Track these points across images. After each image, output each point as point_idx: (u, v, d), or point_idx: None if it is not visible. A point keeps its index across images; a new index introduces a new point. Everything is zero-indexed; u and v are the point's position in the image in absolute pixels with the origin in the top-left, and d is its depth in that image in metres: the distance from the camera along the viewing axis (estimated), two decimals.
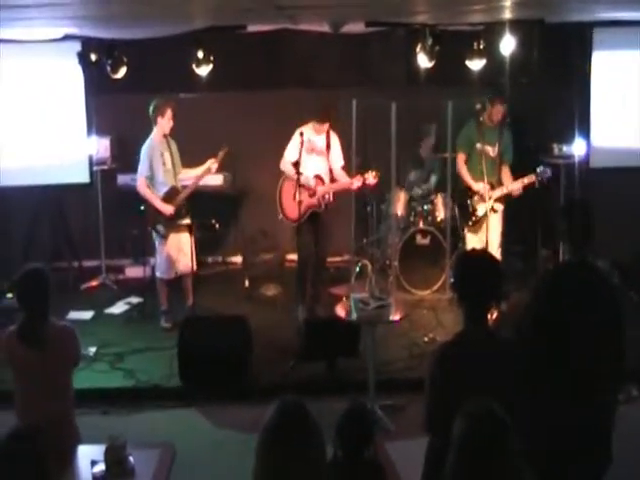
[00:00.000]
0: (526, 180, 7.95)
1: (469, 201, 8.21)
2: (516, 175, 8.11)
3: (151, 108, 7.84)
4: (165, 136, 7.92)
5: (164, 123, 7.84)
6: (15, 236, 9.61)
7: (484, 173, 7.91)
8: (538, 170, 7.87)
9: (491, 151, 8.06)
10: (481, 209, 8.11)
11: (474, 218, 8.18)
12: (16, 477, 2.93)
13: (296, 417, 2.63)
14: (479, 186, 8.08)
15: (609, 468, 3.99)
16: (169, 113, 7.81)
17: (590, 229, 4.12)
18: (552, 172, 8.12)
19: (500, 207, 8.14)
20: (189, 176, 8.06)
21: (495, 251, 7.90)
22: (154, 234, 7.93)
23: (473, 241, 8.12)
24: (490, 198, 8.04)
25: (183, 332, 6.92)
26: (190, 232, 7.58)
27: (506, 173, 8.14)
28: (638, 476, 5.08)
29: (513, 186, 8.00)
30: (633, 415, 5.78)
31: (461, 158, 8.32)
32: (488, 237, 7.99)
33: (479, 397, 2.86)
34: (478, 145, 8.06)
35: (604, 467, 3.99)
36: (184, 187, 8.00)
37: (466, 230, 8.33)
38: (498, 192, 8.03)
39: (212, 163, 7.90)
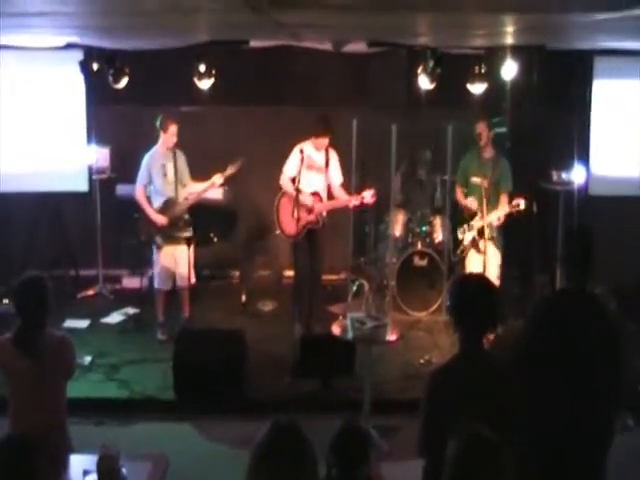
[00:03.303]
0: (500, 212, 7.86)
1: (457, 231, 8.28)
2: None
3: (157, 122, 7.89)
4: (170, 149, 7.95)
5: (166, 138, 7.88)
6: (13, 242, 9.60)
7: (478, 204, 7.91)
8: (513, 202, 7.77)
9: (486, 182, 7.90)
10: (467, 238, 8.14)
11: (461, 247, 8.23)
12: None
13: (289, 439, 2.63)
14: (474, 204, 8.04)
15: None
16: (172, 129, 7.84)
17: (590, 257, 4.07)
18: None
19: (490, 246, 8.00)
20: (193, 190, 8.05)
21: (494, 280, 7.90)
22: (152, 244, 7.96)
23: (472, 267, 8.10)
24: (472, 228, 8.05)
25: (178, 345, 6.92)
26: (189, 245, 7.58)
27: (503, 202, 7.98)
28: None
29: (490, 218, 7.88)
30: (629, 445, 5.77)
31: (459, 191, 8.35)
32: (486, 265, 7.95)
33: (472, 421, 2.87)
34: (473, 178, 8.04)
35: None
36: (186, 200, 8.01)
37: (462, 255, 8.28)
38: (480, 223, 7.94)
39: (217, 178, 7.86)
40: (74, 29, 6.93)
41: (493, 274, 7.87)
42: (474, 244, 8.08)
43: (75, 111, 9.43)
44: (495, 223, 7.97)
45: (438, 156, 9.24)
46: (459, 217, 8.40)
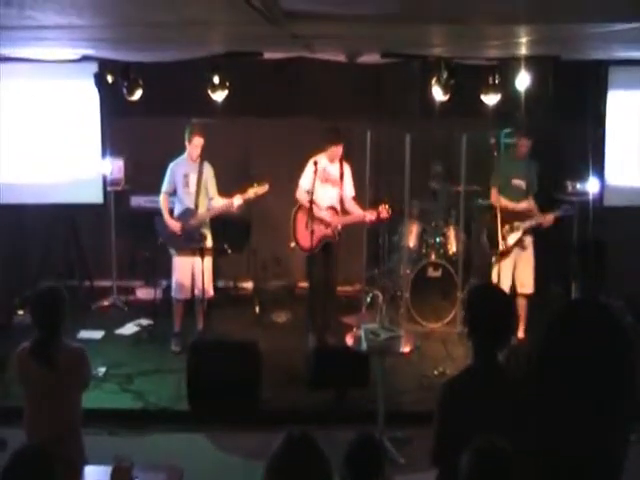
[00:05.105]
0: (553, 215, 7.99)
1: (500, 230, 8.05)
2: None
3: (186, 132, 7.98)
4: (196, 160, 8.00)
5: (191, 149, 7.96)
6: (29, 253, 9.64)
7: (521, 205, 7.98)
8: (563, 207, 8.01)
9: (523, 184, 8.11)
10: (512, 238, 8.06)
11: (502, 247, 8.04)
12: None
13: (303, 451, 2.62)
14: (522, 206, 8.14)
15: None
16: (195, 141, 7.91)
17: (603, 269, 4.06)
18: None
19: (529, 240, 8.13)
20: (214, 205, 8.05)
21: (529, 286, 8.08)
22: (170, 251, 8.01)
23: (505, 274, 8.08)
24: (519, 229, 8.04)
25: (192, 356, 6.91)
26: (202, 257, 7.56)
27: (531, 205, 8.16)
28: None
29: (544, 218, 7.99)
30: None
31: (494, 191, 8.23)
32: (519, 273, 8.11)
33: (486, 433, 2.85)
34: (513, 180, 8.11)
35: None
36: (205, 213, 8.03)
37: (498, 262, 8.12)
38: (528, 223, 8.01)
39: (237, 199, 7.83)
40: (89, 42, 6.96)
41: (529, 277, 8.12)
42: (520, 244, 8.09)
43: (90, 123, 9.47)
44: (546, 225, 8.03)
45: (452, 167, 9.24)
46: (493, 219, 8.16)
